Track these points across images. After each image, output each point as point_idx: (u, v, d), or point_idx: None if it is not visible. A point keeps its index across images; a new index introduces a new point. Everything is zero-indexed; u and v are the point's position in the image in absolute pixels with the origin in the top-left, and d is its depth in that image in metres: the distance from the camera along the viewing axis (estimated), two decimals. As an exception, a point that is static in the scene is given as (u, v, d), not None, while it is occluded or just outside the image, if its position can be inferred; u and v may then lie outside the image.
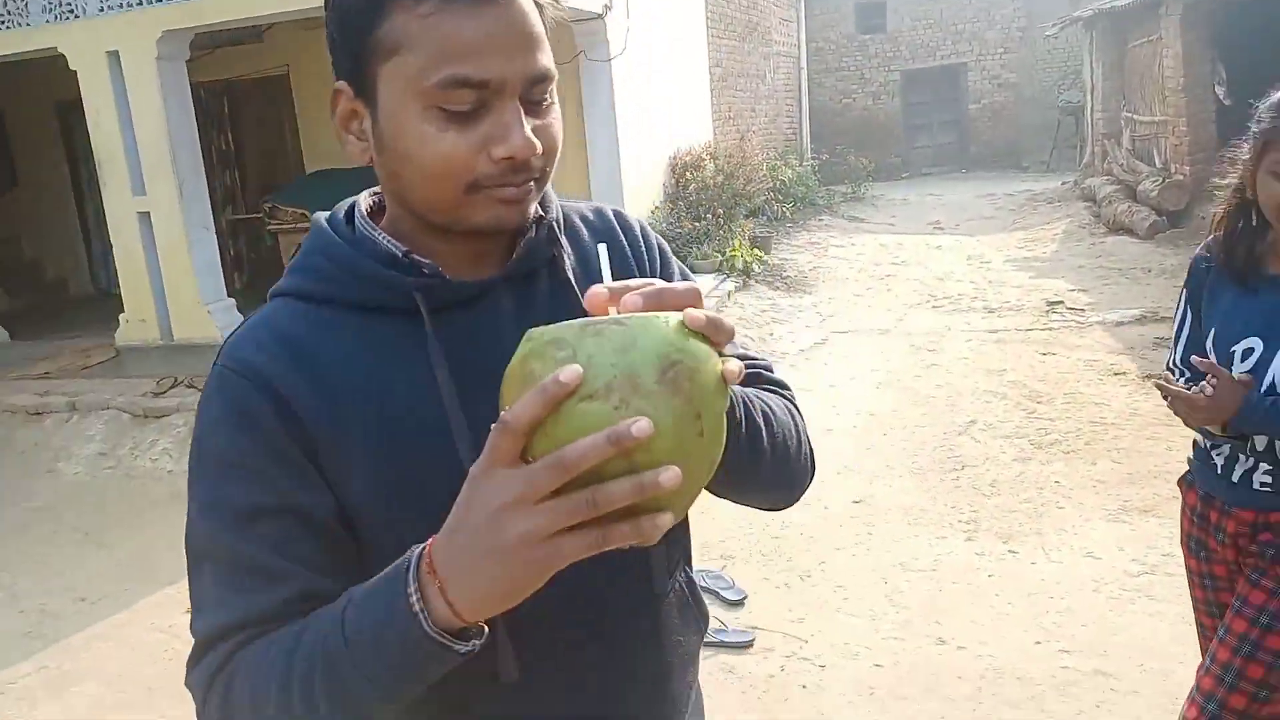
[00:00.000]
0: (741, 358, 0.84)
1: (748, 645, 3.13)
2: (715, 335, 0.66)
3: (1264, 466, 1.71)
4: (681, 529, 0.97)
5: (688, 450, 0.63)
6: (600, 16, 7.50)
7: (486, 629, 0.70)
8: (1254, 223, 1.72)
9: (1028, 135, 17.05)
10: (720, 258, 8.44)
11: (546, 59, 0.80)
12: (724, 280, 8.17)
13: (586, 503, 0.60)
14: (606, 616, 0.89)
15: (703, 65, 10.63)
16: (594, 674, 0.89)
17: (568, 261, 0.91)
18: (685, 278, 0.97)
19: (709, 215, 9.00)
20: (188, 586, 0.83)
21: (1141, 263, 8.26)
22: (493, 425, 0.63)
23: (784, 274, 8.97)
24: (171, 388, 6.08)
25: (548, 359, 0.62)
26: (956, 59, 17.52)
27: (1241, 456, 1.73)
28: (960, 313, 7.46)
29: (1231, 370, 1.70)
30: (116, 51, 6.47)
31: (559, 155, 0.84)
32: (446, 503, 0.67)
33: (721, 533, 3.95)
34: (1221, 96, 9.23)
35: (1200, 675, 1.76)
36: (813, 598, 3.40)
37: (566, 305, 0.86)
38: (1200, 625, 1.90)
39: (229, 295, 7.12)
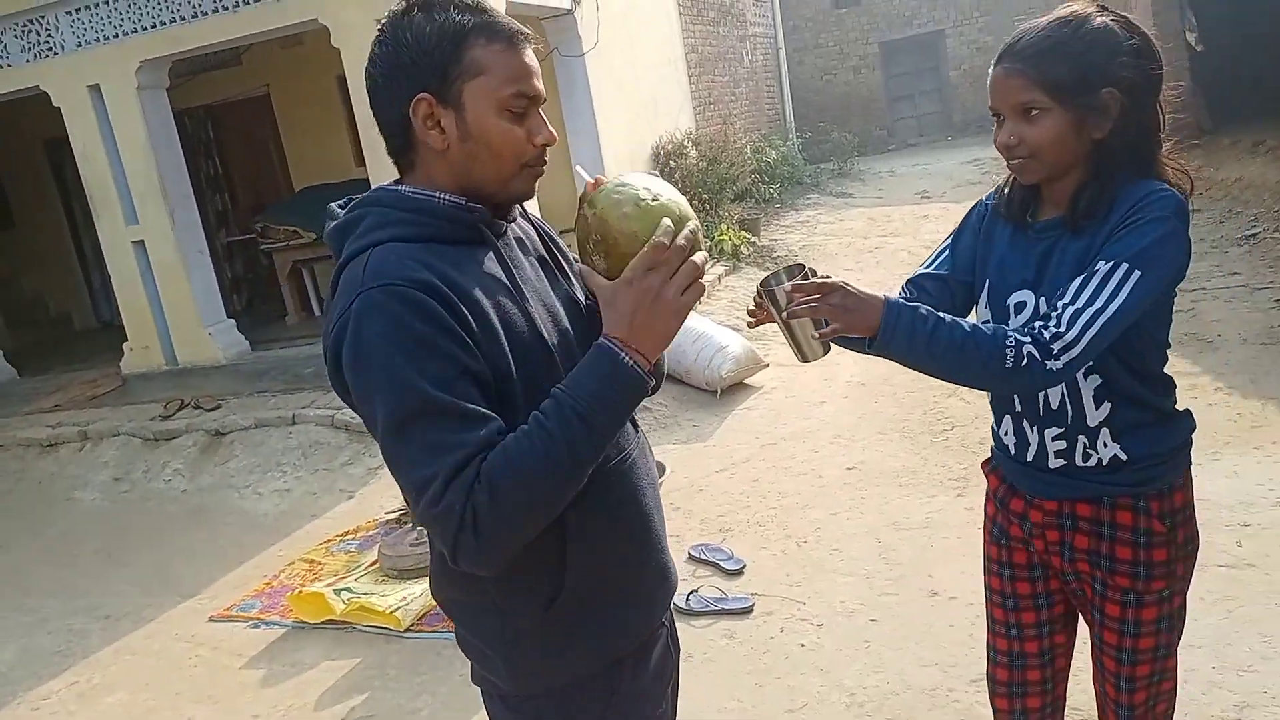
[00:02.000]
0: None
1: (747, 611, 3.24)
2: None
3: (1052, 434, 1.57)
4: None
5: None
6: (570, 12, 7.59)
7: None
8: None
9: (1011, 97, 16.99)
10: (708, 243, 8.53)
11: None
12: (713, 265, 8.26)
13: (695, 267, 1.17)
14: (628, 458, 1.34)
15: (678, 52, 10.69)
16: (632, 491, 1.34)
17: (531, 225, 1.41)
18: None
19: (694, 202, 9.09)
20: (393, 459, 1.12)
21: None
22: (582, 267, 1.23)
23: (774, 254, 9.05)
24: (179, 410, 6.21)
25: (620, 196, 1.20)
26: (934, 26, 17.53)
27: (1028, 430, 1.60)
28: (948, 278, 7.53)
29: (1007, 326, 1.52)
30: (98, 85, 6.59)
31: None
32: (535, 344, 1.20)
33: (719, 509, 4.06)
34: (1193, 43, 9.28)
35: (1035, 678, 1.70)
36: (809, 562, 3.51)
37: (535, 246, 1.35)
38: (991, 619, 1.77)
39: (229, 316, 7.24)
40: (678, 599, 3.31)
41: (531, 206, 6.82)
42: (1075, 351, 1.39)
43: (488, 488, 1.07)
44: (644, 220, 1.17)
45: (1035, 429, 1.61)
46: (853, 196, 12.50)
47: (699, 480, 4.41)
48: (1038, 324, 1.43)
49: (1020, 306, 1.57)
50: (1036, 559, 1.69)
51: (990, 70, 1.55)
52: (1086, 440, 1.56)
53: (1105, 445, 1.55)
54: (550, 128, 1.25)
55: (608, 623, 1.27)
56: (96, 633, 3.89)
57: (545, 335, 1.21)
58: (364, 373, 1.11)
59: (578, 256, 1.33)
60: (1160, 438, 1.57)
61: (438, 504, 1.07)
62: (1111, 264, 1.41)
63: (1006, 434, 1.67)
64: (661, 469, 4.17)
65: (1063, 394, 1.57)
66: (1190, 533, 1.60)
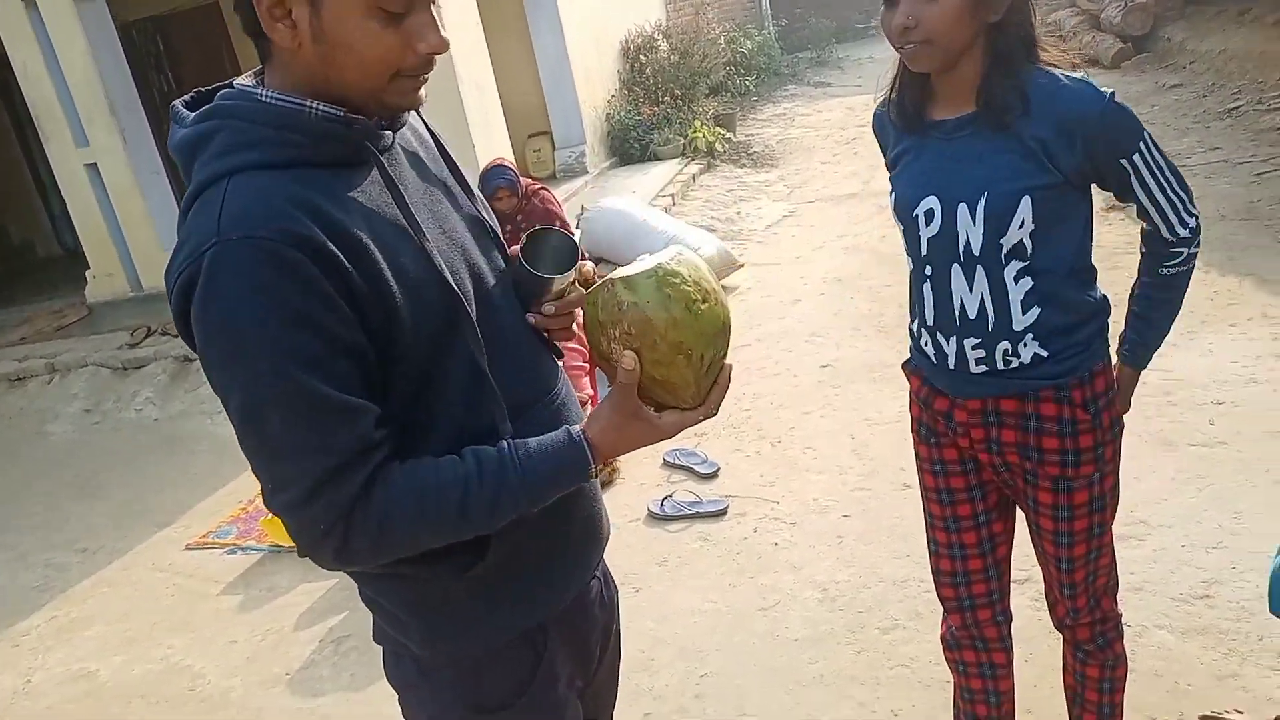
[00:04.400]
0: None
1: (721, 513, 3.23)
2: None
3: (971, 343, 1.54)
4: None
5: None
6: (526, -100, 7.18)
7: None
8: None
9: (993, -25, 16.40)
10: (683, 141, 8.30)
11: None
12: (687, 164, 8.06)
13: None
14: (555, 398, 1.19)
15: (645, -59, 10.20)
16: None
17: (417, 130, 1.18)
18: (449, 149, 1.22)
19: (667, 98, 8.81)
20: (248, 445, 0.95)
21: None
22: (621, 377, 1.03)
23: (750, 150, 8.83)
24: (146, 337, 6.10)
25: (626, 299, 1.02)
26: (913, -98, 16.76)
27: (945, 341, 1.57)
28: (927, 167, 7.36)
29: (920, 237, 1.54)
30: (32, -1, 6.24)
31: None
32: (441, 298, 1.02)
33: (693, 411, 4.02)
34: (1181, -92, 8.87)
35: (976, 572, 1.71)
36: (783, 461, 3.49)
37: (428, 155, 1.15)
38: (928, 514, 1.76)
39: (191, 239, 7.05)
40: (651, 504, 3.30)
41: (483, 115, 6.44)
42: (1195, 220, 1.54)
43: (377, 519, 0.96)
44: (693, 330, 1.00)
45: (952, 339, 1.57)
46: (831, 86, 12.16)
47: (673, 385, 4.35)
48: (1161, 242, 1.55)
49: (929, 216, 1.53)
50: (966, 455, 1.67)
51: None
52: (1009, 346, 1.53)
53: (1026, 347, 1.53)
54: (442, 32, 1.00)
55: (531, 585, 1.15)
56: (75, 566, 3.88)
57: (447, 277, 1.03)
58: (216, 341, 0.92)
59: (579, 323, 1.15)
60: (1079, 326, 1.54)
61: (299, 511, 0.95)
62: (1132, 155, 1.46)
63: (925, 342, 1.64)
64: None
65: (981, 301, 1.52)
66: (1115, 414, 1.59)
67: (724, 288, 5.45)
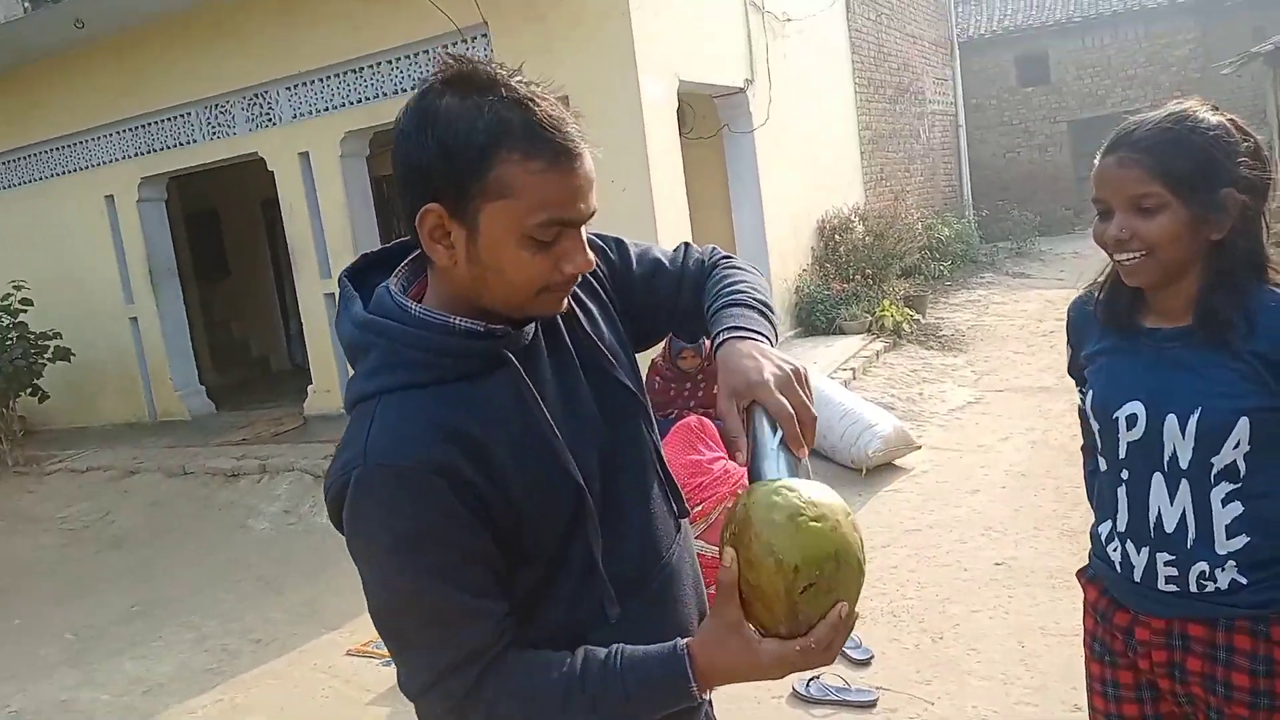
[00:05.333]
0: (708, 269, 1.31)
1: (871, 705, 3.06)
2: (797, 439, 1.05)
3: (1164, 558, 1.44)
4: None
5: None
6: (743, 90, 7.75)
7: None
8: None
9: (1216, 179, 15.85)
10: (869, 318, 8.35)
11: (595, 197, 1.05)
12: (872, 340, 8.07)
13: (826, 655, 0.98)
14: (666, 567, 1.20)
15: (851, 130, 10.67)
16: (669, 606, 1.20)
17: (581, 320, 1.19)
18: (643, 252, 1.30)
19: (858, 276, 8.94)
20: (385, 636, 1.07)
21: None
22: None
23: (939, 333, 8.74)
24: (347, 451, 6.61)
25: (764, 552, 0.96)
26: (1128, 105, 16.65)
27: (1135, 551, 1.48)
28: (1130, 368, 7.01)
29: (1118, 440, 1.48)
30: (307, 152, 7.28)
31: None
32: (567, 496, 1.07)
33: (852, 592, 3.89)
34: None
35: None
36: (943, 659, 3.29)
37: (565, 332, 1.17)
38: None
39: (400, 366, 7.70)
40: (797, 684, 3.18)
41: None
42: None
43: (485, 705, 1.02)
44: (792, 540, 0.94)
45: (1144, 550, 1.48)
46: (1030, 277, 11.94)
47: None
48: None
49: (1132, 420, 1.47)
50: (1144, 679, 1.53)
51: (1098, 159, 1.47)
52: (1206, 568, 1.42)
53: (1225, 572, 1.41)
54: (589, 254, 1.05)
55: None
56: (246, 654, 4.16)
57: (576, 476, 1.07)
58: (360, 551, 1.03)
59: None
60: None
61: (421, 695, 1.05)
62: None
63: (1113, 549, 1.54)
64: None
65: (1182, 515, 1.43)
66: None
67: (898, 468, 5.34)
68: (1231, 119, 1.42)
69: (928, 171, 13.37)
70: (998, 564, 4.00)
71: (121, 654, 4.34)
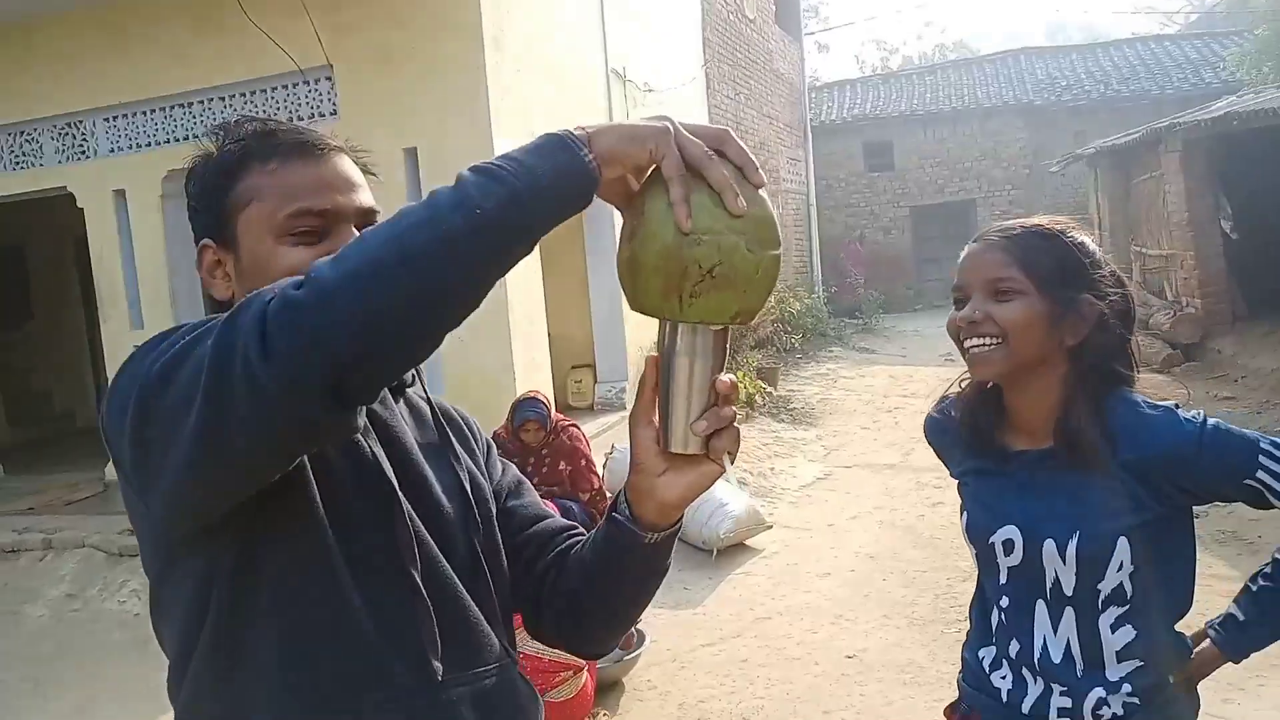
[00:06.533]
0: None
1: (718, 827, 2.80)
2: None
3: (1058, 689, 1.34)
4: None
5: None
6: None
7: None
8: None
9: (1040, 268, 17.05)
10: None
11: (370, 197, 1.02)
12: (726, 413, 8.01)
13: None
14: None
15: (708, 201, 10.79)
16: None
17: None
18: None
19: (712, 347, 8.93)
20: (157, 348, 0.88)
21: (1159, 397, 8.00)
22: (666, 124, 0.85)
23: (790, 405, 8.80)
24: (150, 524, 5.90)
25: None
26: (965, 195, 17.79)
27: (1032, 679, 1.37)
28: (969, 447, 7.20)
29: (997, 565, 1.38)
30: (124, 190, 6.63)
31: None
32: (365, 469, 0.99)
33: (700, 692, 3.64)
34: (1228, 231, 9.19)
35: None
36: (794, 769, 3.07)
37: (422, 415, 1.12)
38: None
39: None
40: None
41: (535, 378, 6.43)
42: None
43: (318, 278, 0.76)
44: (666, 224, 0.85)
45: (1038, 680, 1.37)
46: (875, 353, 12.35)
47: (683, 654, 3.99)
48: None
49: (1009, 545, 1.38)
50: None
51: (965, 250, 1.43)
52: (1102, 694, 1.33)
53: (1117, 696, 1.32)
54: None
55: None
56: (-7, 778, 3.49)
57: (385, 470, 0.99)
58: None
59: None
60: (1175, 672, 1.37)
61: (181, 362, 0.81)
62: (1256, 474, 1.27)
63: (1003, 675, 1.41)
64: (641, 638, 3.78)
65: (1066, 645, 1.34)
66: None
67: (749, 548, 5.18)
68: (1097, 244, 1.43)
69: (782, 247, 13.72)
70: (849, 657, 3.85)
71: None
